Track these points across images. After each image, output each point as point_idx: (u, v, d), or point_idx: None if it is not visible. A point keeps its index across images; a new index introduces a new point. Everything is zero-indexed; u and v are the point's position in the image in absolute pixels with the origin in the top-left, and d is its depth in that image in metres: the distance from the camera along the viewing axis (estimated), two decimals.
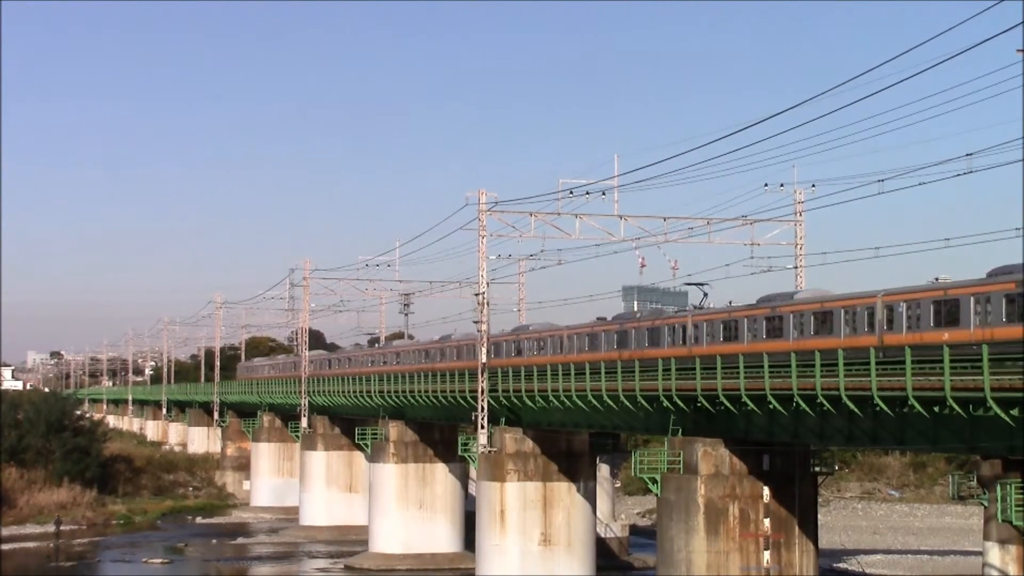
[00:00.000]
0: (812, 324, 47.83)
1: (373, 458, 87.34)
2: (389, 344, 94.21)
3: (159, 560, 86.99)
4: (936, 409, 39.73)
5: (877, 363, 41.08)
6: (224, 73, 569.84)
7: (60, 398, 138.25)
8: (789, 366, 44.85)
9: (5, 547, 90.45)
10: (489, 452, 67.56)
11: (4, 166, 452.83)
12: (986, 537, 46.87)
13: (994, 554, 46.10)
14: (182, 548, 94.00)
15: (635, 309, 67.73)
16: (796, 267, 65.51)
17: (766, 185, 62.86)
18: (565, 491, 67.49)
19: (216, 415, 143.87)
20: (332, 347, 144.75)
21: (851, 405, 42.62)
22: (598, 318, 66.39)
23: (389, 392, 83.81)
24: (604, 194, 63.75)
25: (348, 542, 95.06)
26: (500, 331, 76.92)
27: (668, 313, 60.26)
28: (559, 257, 71.09)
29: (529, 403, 64.66)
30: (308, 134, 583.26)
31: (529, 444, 67.51)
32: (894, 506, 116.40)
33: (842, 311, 46.37)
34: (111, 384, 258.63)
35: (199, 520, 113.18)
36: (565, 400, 60.30)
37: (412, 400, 79.79)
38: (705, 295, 60.80)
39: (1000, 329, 39.72)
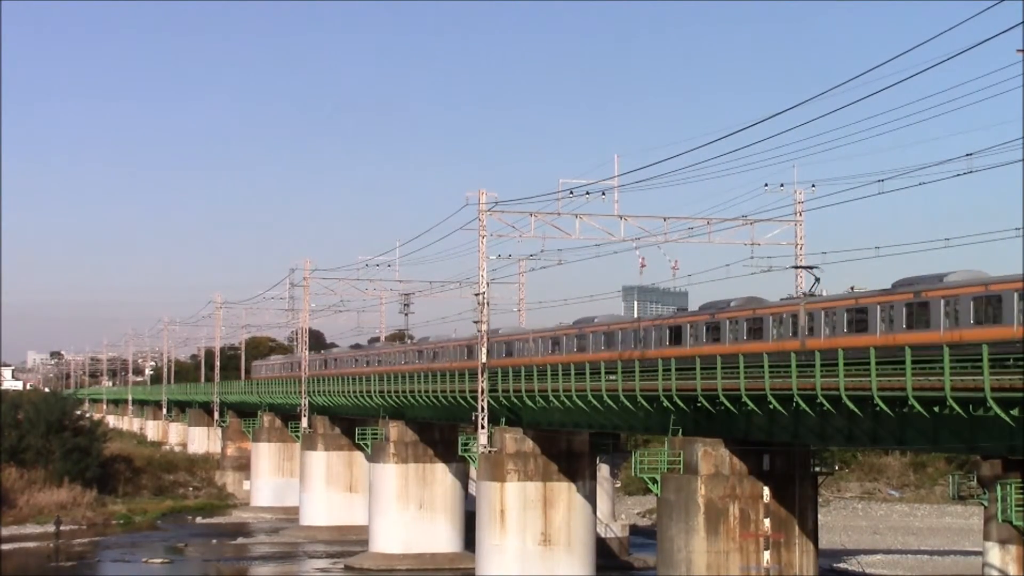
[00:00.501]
0: (971, 311, 41.34)
1: (373, 458, 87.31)
2: (424, 340, 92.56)
3: (159, 560, 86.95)
4: (936, 409, 39.72)
5: None
6: (224, 73, 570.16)
7: (60, 398, 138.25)
8: (937, 362, 38.68)
9: (5, 547, 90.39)
10: (489, 452, 67.54)
11: (4, 166, 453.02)
12: (986, 537, 46.88)
13: (994, 554, 46.12)
14: (182, 548, 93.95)
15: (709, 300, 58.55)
16: (796, 267, 65.45)
17: (766, 185, 62.85)
18: (565, 491, 67.45)
19: (216, 415, 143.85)
20: (332, 347, 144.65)
21: (851, 405, 42.59)
22: (679, 309, 60.00)
23: (389, 392, 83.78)
24: (604, 194, 63.74)
25: (348, 542, 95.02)
26: (557, 324, 72.03)
27: (768, 301, 53.37)
28: (559, 257, 70.99)
29: (529, 403, 64.64)
30: (308, 134, 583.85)
31: (529, 444, 67.49)
32: (894, 506, 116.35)
33: (1015, 295, 39.75)
34: (111, 384, 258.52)
35: (199, 520, 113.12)
36: (565, 400, 60.27)
37: (412, 400, 79.77)
38: (817, 280, 54.24)
39: None
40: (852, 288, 48.11)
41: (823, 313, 47.62)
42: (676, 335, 56.76)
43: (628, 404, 55.58)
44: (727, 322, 53.17)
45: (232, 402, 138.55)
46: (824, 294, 50.84)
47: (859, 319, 45.78)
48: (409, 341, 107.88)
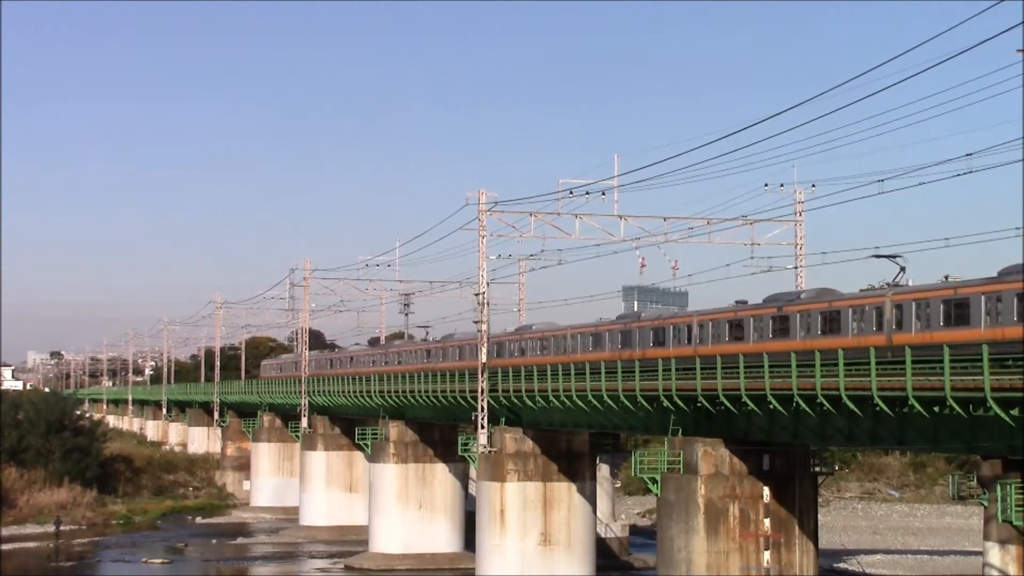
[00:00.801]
0: None
1: (373, 458, 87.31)
2: (449, 336, 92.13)
3: (159, 560, 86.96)
4: (936, 409, 39.71)
5: None
6: (224, 73, 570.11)
7: (60, 398, 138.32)
8: None
9: (5, 547, 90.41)
10: (489, 452, 67.53)
11: (4, 166, 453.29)
12: (986, 537, 46.93)
13: (994, 554, 46.16)
14: (182, 548, 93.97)
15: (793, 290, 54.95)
16: (796, 267, 65.52)
17: (766, 185, 62.96)
18: (565, 491, 67.45)
19: (216, 415, 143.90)
20: (333, 347, 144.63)
21: (851, 405, 42.57)
22: (737, 301, 55.26)
23: (389, 392, 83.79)
24: (604, 194, 63.85)
25: (348, 542, 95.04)
26: (599, 319, 68.03)
27: (843, 293, 49.11)
28: (559, 257, 71.11)
29: (529, 403, 64.64)
30: (308, 134, 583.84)
31: (529, 444, 67.50)
32: (894, 506, 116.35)
33: None
34: (111, 384, 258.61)
35: (199, 520, 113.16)
36: (565, 400, 60.26)
37: (412, 400, 79.77)
38: (902, 270, 48.95)
39: None
40: (947, 277, 43.88)
41: (913, 304, 43.00)
42: (737, 330, 52.59)
43: (628, 404, 55.57)
44: (797, 316, 48.72)
45: (232, 402, 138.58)
46: (909, 284, 46.40)
47: (959, 311, 41.06)
48: (432, 338, 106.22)
